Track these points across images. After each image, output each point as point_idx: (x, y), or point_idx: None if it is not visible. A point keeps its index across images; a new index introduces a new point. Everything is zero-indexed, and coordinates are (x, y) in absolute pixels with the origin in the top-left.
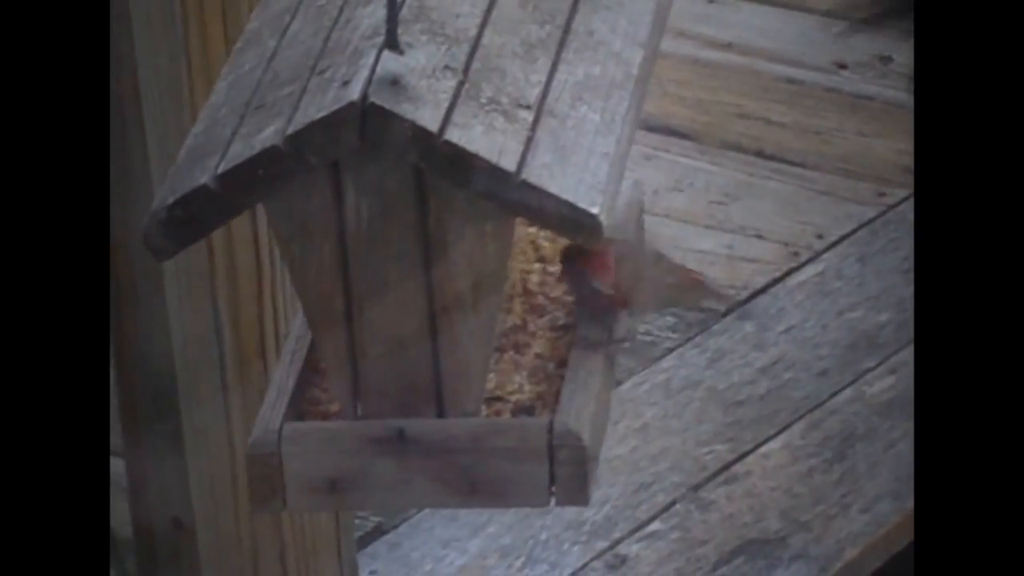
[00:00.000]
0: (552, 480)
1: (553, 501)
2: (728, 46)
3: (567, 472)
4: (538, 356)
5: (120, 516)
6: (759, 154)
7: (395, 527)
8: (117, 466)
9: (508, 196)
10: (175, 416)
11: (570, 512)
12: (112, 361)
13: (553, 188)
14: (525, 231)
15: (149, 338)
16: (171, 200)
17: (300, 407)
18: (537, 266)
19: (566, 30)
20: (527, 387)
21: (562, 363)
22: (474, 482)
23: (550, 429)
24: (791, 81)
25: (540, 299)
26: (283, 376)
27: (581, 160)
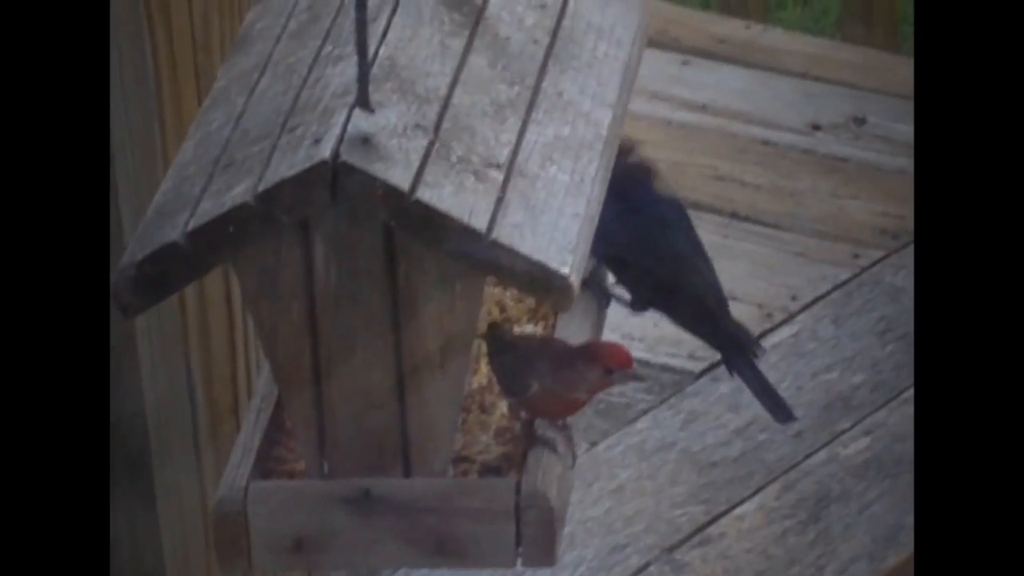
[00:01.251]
0: (519, 541)
1: (520, 562)
2: (702, 108)
3: (534, 533)
4: (504, 416)
5: None
6: (733, 216)
7: None
8: None
9: (479, 256)
10: (148, 475)
11: (545, 572)
12: None
13: (524, 248)
14: (491, 291)
15: (122, 398)
16: (140, 257)
17: (266, 465)
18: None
19: (536, 90)
20: (494, 447)
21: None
22: (441, 542)
23: (517, 490)
24: (765, 143)
25: None
26: (248, 435)
27: (551, 220)
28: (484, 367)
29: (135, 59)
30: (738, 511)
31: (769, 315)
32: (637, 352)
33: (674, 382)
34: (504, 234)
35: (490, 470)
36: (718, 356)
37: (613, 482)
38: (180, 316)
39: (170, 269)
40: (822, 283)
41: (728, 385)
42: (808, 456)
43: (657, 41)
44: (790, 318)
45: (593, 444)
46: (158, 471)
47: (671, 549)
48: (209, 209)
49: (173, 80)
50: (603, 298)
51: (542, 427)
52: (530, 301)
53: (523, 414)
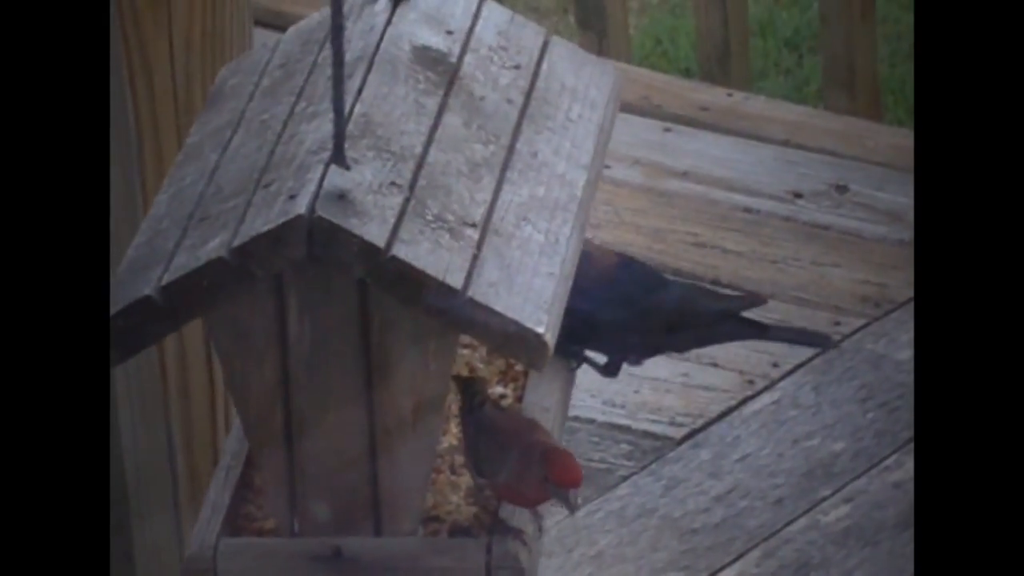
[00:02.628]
0: None
1: None
2: (684, 175)
3: None
4: None
5: None
6: (715, 283)
7: None
8: None
9: (454, 313)
10: (127, 537)
11: None
12: None
13: (499, 306)
14: (461, 352)
15: None
16: (114, 311)
17: (235, 523)
18: None
19: (510, 150)
20: (464, 507)
21: None
22: None
23: (488, 549)
24: (747, 210)
25: None
26: (218, 492)
27: (526, 280)
28: (454, 428)
29: (117, 120)
30: None
31: (750, 382)
32: (618, 418)
33: (655, 448)
34: (480, 292)
35: (460, 530)
36: (700, 422)
37: (593, 548)
38: (160, 379)
39: (144, 323)
40: (803, 351)
41: (709, 451)
42: (789, 523)
43: (639, 108)
44: (771, 385)
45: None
46: (138, 533)
47: None
48: (183, 263)
49: (155, 141)
50: (574, 360)
51: (507, 512)
52: (500, 362)
53: (488, 492)
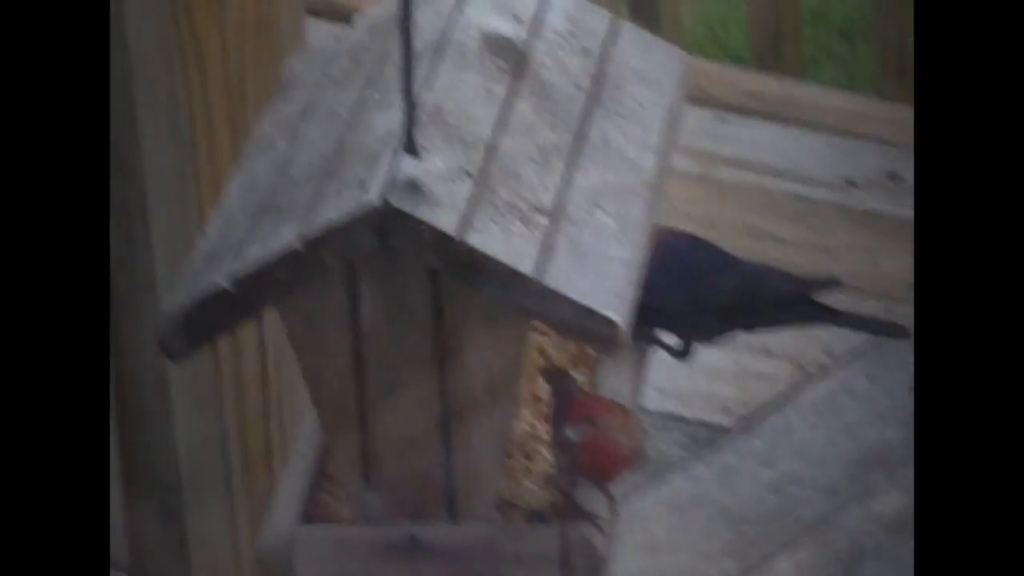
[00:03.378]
0: None
1: None
2: (737, 163)
3: None
4: (548, 463)
5: None
6: None
7: None
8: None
9: (526, 301)
10: (180, 525)
11: None
12: (119, 472)
13: (572, 293)
14: (533, 338)
15: (156, 450)
16: (189, 303)
17: (309, 511)
18: None
19: (580, 136)
20: (538, 493)
21: None
22: None
23: (564, 535)
24: (800, 198)
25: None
26: (293, 480)
27: (598, 266)
28: (527, 414)
29: (170, 108)
30: (772, 566)
31: (804, 370)
32: (671, 406)
33: (708, 437)
34: (552, 279)
35: (535, 516)
36: (752, 411)
37: (646, 537)
38: (214, 365)
39: (218, 314)
40: (856, 338)
41: (762, 440)
42: (842, 511)
43: (692, 96)
44: (825, 373)
45: (626, 498)
46: (191, 520)
47: None
48: (257, 254)
49: (207, 129)
50: (646, 342)
51: (583, 495)
52: (573, 347)
53: (567, 476)
